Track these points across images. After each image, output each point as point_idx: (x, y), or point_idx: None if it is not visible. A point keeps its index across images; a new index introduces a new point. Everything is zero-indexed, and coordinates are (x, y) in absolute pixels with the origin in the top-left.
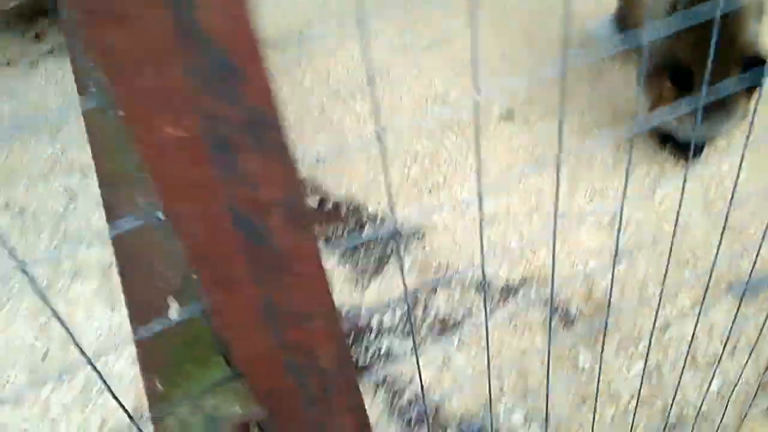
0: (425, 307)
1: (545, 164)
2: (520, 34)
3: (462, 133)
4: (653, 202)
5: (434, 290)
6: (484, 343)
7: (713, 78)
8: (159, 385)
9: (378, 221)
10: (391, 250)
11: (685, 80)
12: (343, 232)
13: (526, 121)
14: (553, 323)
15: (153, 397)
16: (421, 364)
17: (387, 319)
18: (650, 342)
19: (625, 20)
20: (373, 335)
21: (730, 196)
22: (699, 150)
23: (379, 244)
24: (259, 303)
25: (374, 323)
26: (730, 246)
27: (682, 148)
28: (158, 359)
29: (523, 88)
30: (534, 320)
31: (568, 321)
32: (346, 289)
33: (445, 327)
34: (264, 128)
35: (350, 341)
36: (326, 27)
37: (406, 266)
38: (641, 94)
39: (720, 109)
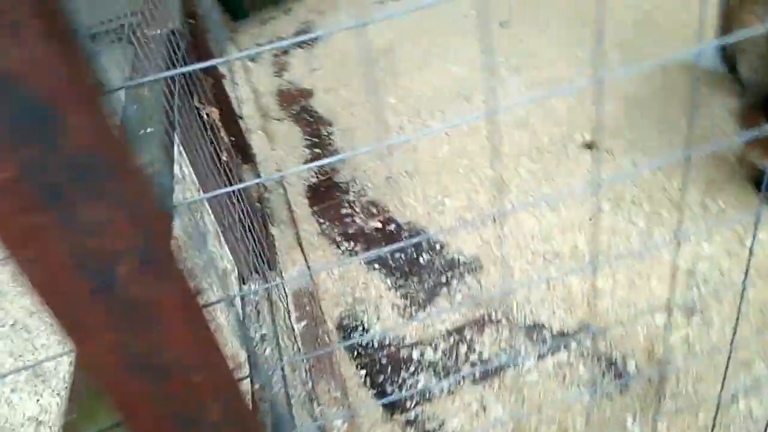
0: (469, 346)
1: (622, 201)
2: (616, 49)
3: (538, 160)
4: (742, 252)
5: (481, 328)
6: (527, 391)
7: None
8: (73, 414)
9: (437, 249)
10: (446, 281)
11: None
12: (400, 257)
13: (610, 152)
14: (605, 379)
15: (66, 425)
16: (455, 406)
17: (428, 354)
18: (715, 415)
19: (726, 48)
20: (411, 369)
21: None
22: None
23: (434, 274)
24: (121, 352)
25: (415, 356)
26: None
27: None
28: (81, 389)
29: (608, 119)
30: (584, 373)
31: (622, 379)
32: (393, 316)
33: (487, 370)
34: (96, 176)
35: (387, 373)
36: (414, 45)
37: (457, 300)
38: (737, 131)
39: None
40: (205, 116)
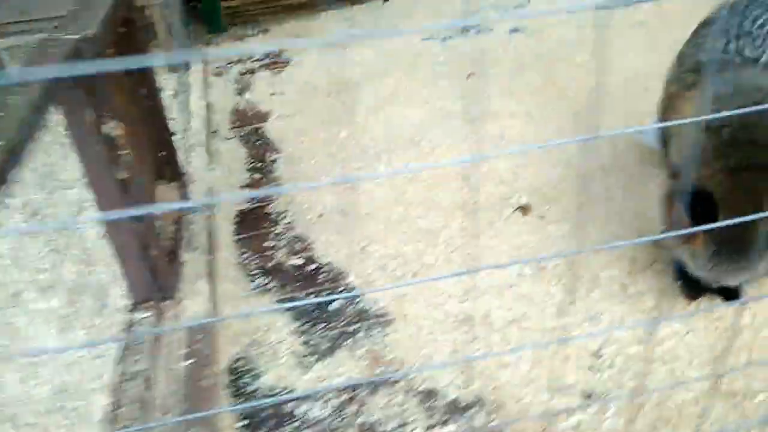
0: (360, 407)
1: (545, 270)
2: (571, 122)
3: (472, 217)
4: (651, 340)
5: (376, 389)
6: None
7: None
8: None
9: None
10: (352, 332)
11: (705, 212)
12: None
13: (541, 218)
14: None
15: None
16: None
17: (315, 410)
18: None
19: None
20: (295, 424)
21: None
22: (733, 294)
23: (342, 322)
24: None
25: (301, 411)
26: (725, 415)
27: (693, 287)
28: None
29: (548, 184)
30: None
31: None
32: (291, 363)
33: None
34: None
35: (269, 426)
36: (380, 84)
37: (359, 354)
38: (661, 215)
39: (738, 251)
40: (107, 131)
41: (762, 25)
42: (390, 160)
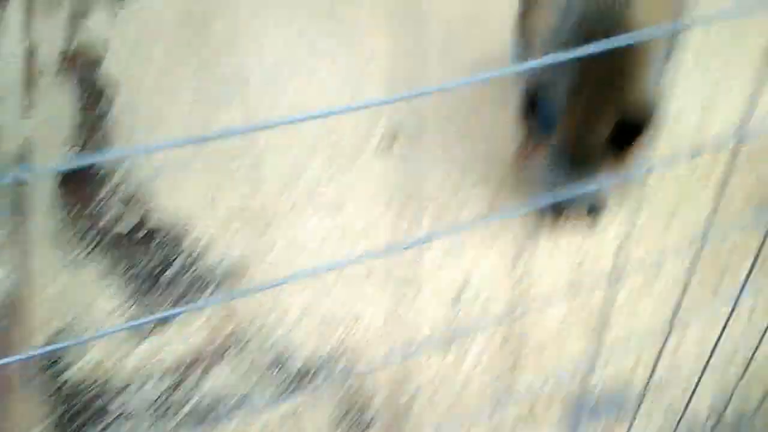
0: (197, 383)
1: (409, 204)
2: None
3: (334, 156)
4: (512, 274)
5: (219, 359)
6: None
7: (579, 129)
8: None
9: (196, 253)
10: (198, 293)
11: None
12: (146, 263)
13: (410, 150)
14: (343, 427)
15: None
16: None
17: (146, 391)
18: None
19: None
20: (118, 412)
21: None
22: (593, 212)
23: (184, 284)
24: None
25: (130, 392)
26: (585, 347)
27: (554, 210)
28: None
29: (418, 116)
30: (323, 418)
31: (362, 426)
32: (117, 340)
33: (211, 412)
34: None
35: (87, 415)
36: (230, 16)
37: (199, 322)
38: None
39: (579, 167)
40: None
41: None
42: (245, 101)
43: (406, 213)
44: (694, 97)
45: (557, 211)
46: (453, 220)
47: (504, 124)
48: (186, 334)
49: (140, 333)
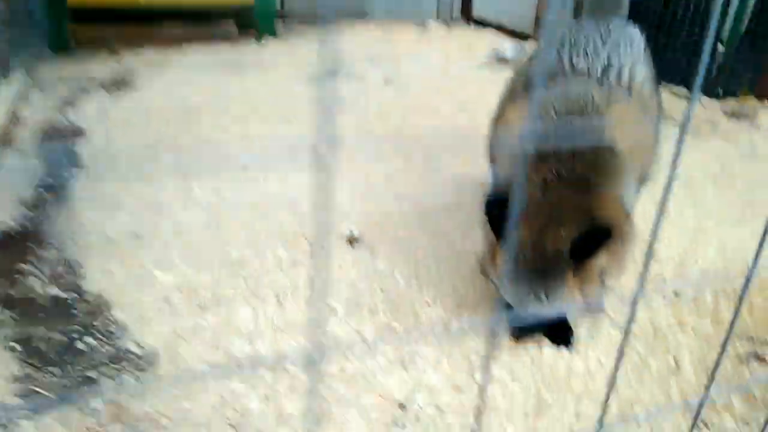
0: None
1: (358, 306)
2: (422, 161)
3: (294, 246)
4: (470, 387)
5: None
6: None
7: (537, 237)
8: None
9: (110, 332)
10: (96, 377)
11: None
12: (51, 338)
13: (371, 251)
14: None
15: None
16: None
17: None
18: None
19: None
20: None
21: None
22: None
23: (88, 365)
24: None
25: None
26: None
27: (520, 325)
28: None
29: (386, 218)
30: None
31: None
32: None
33: None
34: None
35: None
36: (220, 113)
37: (95, 405)
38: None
39: (539, 281)
40: None
41: (594, 43)
42: (206, 183)
43: (357, 313)
44: (679, 231)
45: (521, 329)
46: (406, 326)
47: (473, 232)
48: (70, 426)
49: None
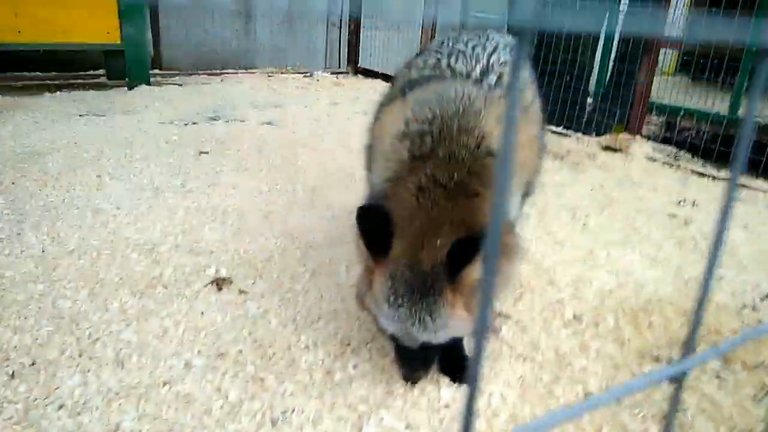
0: None
1: (224, 357)
2: (304, 196)
3: (145, 295)
4: None
5: None
6: None
7: (414, 247)
8: None
9: None
10: None
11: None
12: None
13: (242, 293)
14: None
15: None
16: None
17: None
18: None
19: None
20: None
21: None
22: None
23: None
24: None
25: None
26: None
27: (410, 364)
28: None
29: (261, 256)
30: None
31: None
32: None
33: None
34: None
35: None
36: (72, 156)
37: None
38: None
39: (419, 302)
40: None
41: (474, 47)
42: (52, 228)
43: (221, 366)
44: (572, 257)
45: (413, 368)
46: (280, 377)
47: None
48: None
49: None
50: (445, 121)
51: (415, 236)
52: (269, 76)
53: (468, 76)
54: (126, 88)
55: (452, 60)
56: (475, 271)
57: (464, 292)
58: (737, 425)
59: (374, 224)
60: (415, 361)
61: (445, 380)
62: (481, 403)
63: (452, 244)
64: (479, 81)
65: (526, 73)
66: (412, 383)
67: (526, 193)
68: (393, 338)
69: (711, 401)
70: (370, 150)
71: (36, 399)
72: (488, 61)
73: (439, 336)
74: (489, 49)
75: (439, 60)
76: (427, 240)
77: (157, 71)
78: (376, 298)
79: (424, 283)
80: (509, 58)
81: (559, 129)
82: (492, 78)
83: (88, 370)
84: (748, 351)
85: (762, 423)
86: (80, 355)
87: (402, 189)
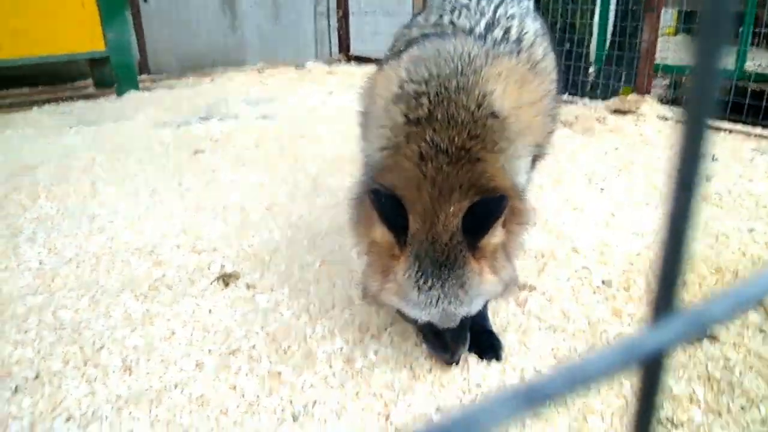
0: None
1: (239, 352)
2: (306, 186)
3: (149, 298)
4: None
5: None
6: None
7: (430, 216)
8: None
9: None
10: None
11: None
12: None
13: (250, 288)
14: None
15: None
16: None
17: None
18: None
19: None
20: None
21: None
22: (491, 350)
23: None
24: None
25: None
26: None
27: (440, 345)
28: None
29: (267, 249)
30: None
31: None
32: None
33: None
34: None
35: None
36: (64, 166)
37: None
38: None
39: (444, 274)
40: None
41: (480, 1)
42: (48, 239)
43: (234, 363)
44: (594, 222)
45: (444, 350)
46: (298, 369)
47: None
48: None
49: None
50: (443, 80)
51: (427, 211)
52: (260, 71)
53: (471, 31)
54: (115, 96)
55: (455, 15)
56: (494, 233)
57: (487, 255)
58: None
59: (391, 207)
60: (454, 341)
61: (473, 359)
62: (514, 379)
63: (466, 211)
64: (482, 36)
65: (537, 24)
66: (456, 364)
67: (537, 157)
68: (427, 326)
69: (758, 356)
70: (365, 117)
71: (42, 413)
72: (495, 14)
73: (475, 306)
74: (496, 1)
75: (441, 16)
76: (441, 212)
77: (145, 77)
78: (400, 289)
79: (449, 258)
80: (517, 11)
81: (564, 96)
82: (497, 32)
83: (95, 379)
84: None
85: None
86: (85, 364)
87: (402, 159)
